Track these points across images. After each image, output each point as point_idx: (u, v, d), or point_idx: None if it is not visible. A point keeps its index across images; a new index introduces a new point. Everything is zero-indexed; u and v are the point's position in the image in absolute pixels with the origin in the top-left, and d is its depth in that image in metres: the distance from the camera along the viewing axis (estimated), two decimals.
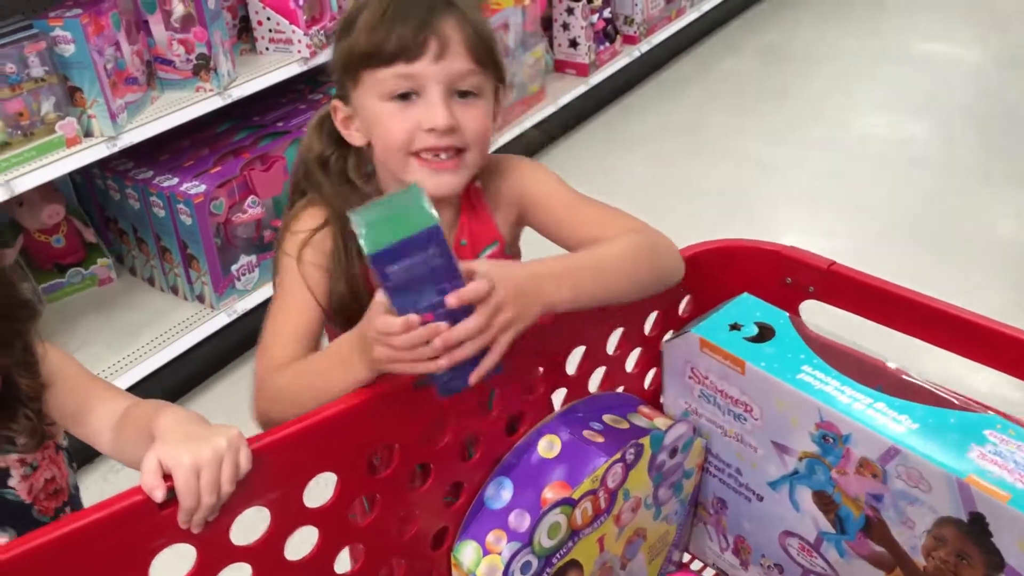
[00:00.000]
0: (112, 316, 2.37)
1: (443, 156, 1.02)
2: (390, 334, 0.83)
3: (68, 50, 1.99)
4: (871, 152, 3.52)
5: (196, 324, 2.36)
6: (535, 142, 3.06)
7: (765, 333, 1.04)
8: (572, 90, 3.61)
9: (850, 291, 1.09)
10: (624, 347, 1.14)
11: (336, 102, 1.08)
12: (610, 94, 3.93)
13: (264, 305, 1.27)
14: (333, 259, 1.05)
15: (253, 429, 0.89)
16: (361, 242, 0.77)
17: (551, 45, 3.66)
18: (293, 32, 2.48)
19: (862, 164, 3.44)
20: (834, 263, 1.10)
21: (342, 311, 1.05)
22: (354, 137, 1.08)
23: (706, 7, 4.40)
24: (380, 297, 0.84)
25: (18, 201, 2.28)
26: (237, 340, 2.45)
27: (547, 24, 3.61)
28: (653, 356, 1.16)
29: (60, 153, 2.02)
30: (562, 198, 1.14)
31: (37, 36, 1.95)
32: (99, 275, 2.46)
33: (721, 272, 1.14)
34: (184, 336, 2.32)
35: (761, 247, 1.15)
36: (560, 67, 3.69)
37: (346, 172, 1.10)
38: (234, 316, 2.41)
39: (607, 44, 3.77)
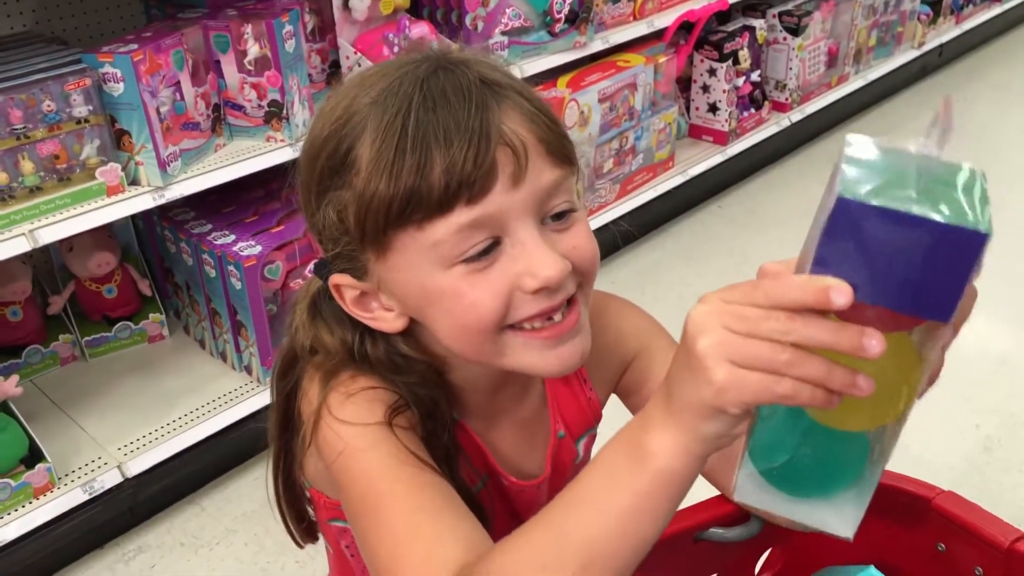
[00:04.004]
0: (153, 380, 2.14)
1: (557, 316, 0.69)
2: (787, 302, 0.49)
3: (117, 89, 1.78)
4: None
5: (239, 399, 2.10)
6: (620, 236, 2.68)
7: None
8: (706, 159, 3.22)
9: None
10: None
11: (338, 278, 0.73)
12: (750, 167, 3.52)
13: None
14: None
15: None
16: (840, 176, 0.48)
17: (687, 109, 3.29)
18: None
19: None
20: (1022, 537, 0.69)
21: None
22: (381, 321, 0.74)
23: (873, 75, 3.92)
24: (773, 266, 0.53)
25: (68, 246, 2.11)
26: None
27: (684, 85, 3.25)
28: None
29: (98, 202, 1.80)
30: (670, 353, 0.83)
31: (84, 72, 1.74)
32: (149, 331, 2.24)
33: None
34: (225, 411, 2.07)
35: (901, 488, 0.74)
36: (695, 133, 3.31)
37: (394, 354, 0.76)
38: None
39: (752, 111, 3.37)
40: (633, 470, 0.54)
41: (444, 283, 0.68)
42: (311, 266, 0.79)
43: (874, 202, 0.47)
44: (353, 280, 0.73)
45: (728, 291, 0.51)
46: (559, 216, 0.70)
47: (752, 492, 0.56)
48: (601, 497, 0.55)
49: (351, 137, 0.68)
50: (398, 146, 0.65)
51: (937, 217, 0.46)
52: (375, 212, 0.67)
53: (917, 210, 0.47)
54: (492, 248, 0.67)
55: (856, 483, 0.55)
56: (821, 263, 0.49)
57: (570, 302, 0.71)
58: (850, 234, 0.48)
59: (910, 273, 0.48)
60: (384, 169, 0.66)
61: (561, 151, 0.70)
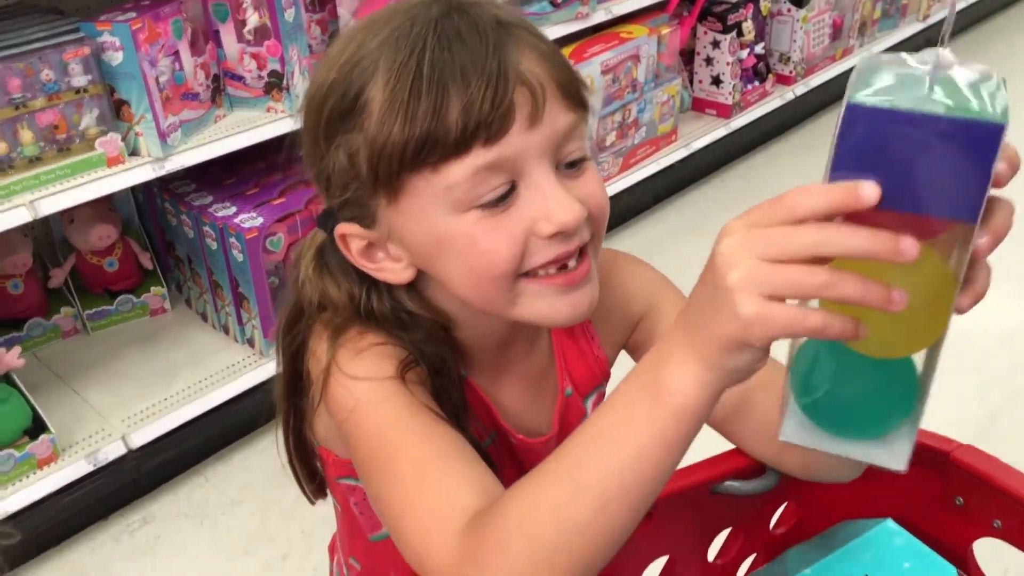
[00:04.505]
0: (155, 352, 2.13)
1: (571, 263, 0.68)
2: (813, 210, 0.47)
3: (116, 58, 1.76)
4: None
5: (242, 371, 2.09)
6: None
7: None
8: (710, 133, 3.19)
9: None
10: None
11: (345, 227, 0.72)
12: (753, 140, 3.49)
13: None
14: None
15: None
16: (850, 83, 0.48)
17: (690, 81, 3.26)
18: None
19: None
20: None
21: None
22: (388, 272, 0.73)
23: (877, 48, 3.88)
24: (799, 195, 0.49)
25: (69, 218, 2.09)
26: None
27: (687, 58, 3.22)
28: None
29: (99, 173, 1.78)
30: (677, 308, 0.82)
31: (82, 41, 1.72)
32: (151, 304, 2.23)
33: None
34: (227, 384, 2.05)
35: (919, 442, 0.73)
36: (698, 106, 3.28)
37: (399, 310, 0.75)
38: None
39: (756, 83, 3.34)
40: (651, 406, 0.53)
41: (458, 228, 0.67)
42: (317, 219, 0.78)
43: (882, 104, 0.46)
44: (361, 229, 0.71)
45: (750, 214, 0.50)
46: (573, 164, 0.69)
47: (799, 432, 0.55)
48: (618, 435, 0.54)
49: (361, 80, 0.66)
50: (413, 87, 0.63)
51: (946, 112, 0.45)
52: (389, 155, 0.65)
53: (928, 108, 0.46)
54: (508, 194, 0.66)
55: (903, 414, 0.54)
56: (838, 170, 0.48)
57: (581, 252, 0.70)
58: (862, 140, 0.47)
59: (928, 173, 0.47)
60: (399, 111, 0.64)
61: (576, 94, 0.69)
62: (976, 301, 0.51)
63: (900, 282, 0.47)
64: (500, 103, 0.63)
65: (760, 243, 0.48)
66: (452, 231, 0.67)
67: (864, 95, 0.47)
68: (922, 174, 0.47)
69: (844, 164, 0.48)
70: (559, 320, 0.71)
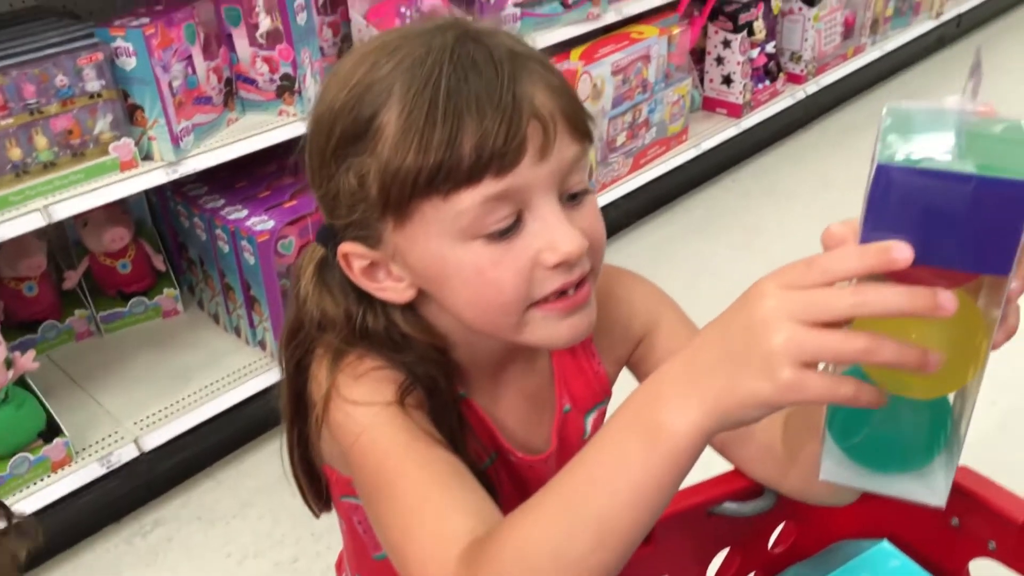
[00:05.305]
0: (168, 355, 2.15)
1: (571, 292, 0.69)
2: (847, 272, 0.48)
3: (129, 63, 1.77)
4: None
5: (253, 373, 2.11)
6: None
7: None
8: (720, 132, 3.19)
9: None
10: None
11: (348, 246, 0.72)
12: (765, 140, 3.48)
13: None
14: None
15: None
16: (879, 143, 0.49)
17: (701, 80, 3.26)
18: None
19: None
20: None
21: None
22: (389, 291, 0.73)
23: (889, 46, 3.86)
24: (837, 227, 0.52)
25: (83, 221, 2.11)
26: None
27: (698, 57, 3.22)
28: None
29: (112, 177, 1.80)
30: (681, 327, 0.86)
31: (96, 46, 1.74)
32: (164, 306, 2.25)
33: None
34: (239, 386, 2.07)
35: None
36: (709, 106, 3.28)
37: (393, 331, 0.76)
38: None
39: (767, 83, 3.33)
40: (647, 448, 0.54)
41: (465, 257, 0.68)
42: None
43: (913, 164, 0.47)
44: (364, 249, 0.72)
45: (783, 275, 0.51)
46: (575, 196, 0.70)
47: (838, 471, 0.56)
48: (614, 475, 0.55)
49: (375, 104, 0.67)
50: (428, 115, 0.64)
51: (977, 171, 0.46)
52: (401, 180, 0.66)
53: (958, 166, 0.46)
54: (514, 226, 0.67)
55: (940, 450, 0.55)
56: (870, 232, 0.48)
57: (581, 279, 0.71)
58: (893, 199, 0.48)
59: (960, 230, 0.47)
60: (413, 139, 0.65)
61: (583, 125, 0.70)
62: (1008, 337, 0.52)
63: (933, 328, 0.48)
64: (514, 136, 0.64)
65: (800, 307, 0.49)
66: (459, 259, 0.68)
67: (894, 155, 0.47)
68: (954, 231, 0.47)
69: (876, 224, 0.48)
70: (560, 342, 0.73)
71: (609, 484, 0.55)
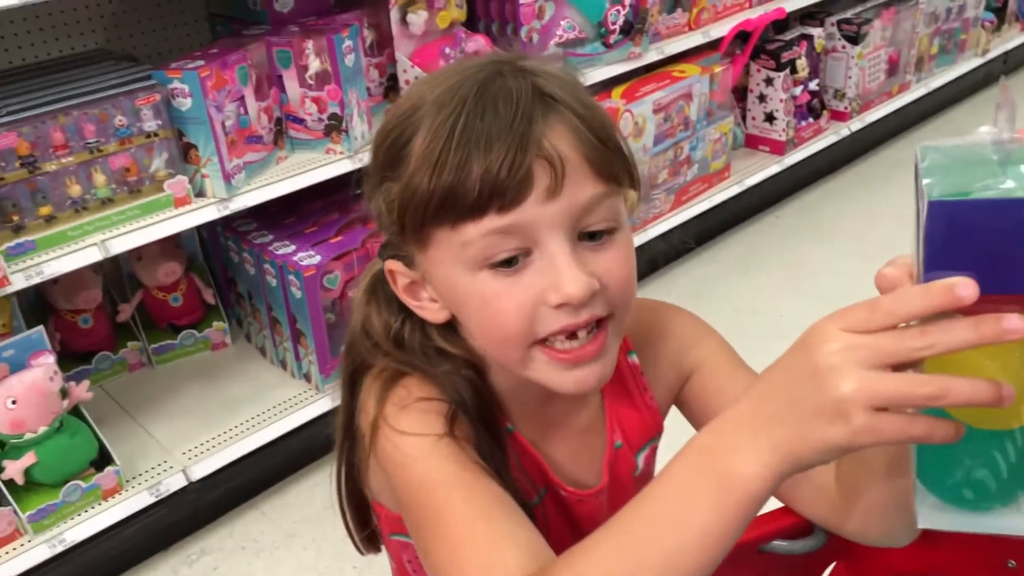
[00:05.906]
0: (216, 386, 2.19)
1: (582, 336, 0.69)
2: (912, 313, 0.49)
3: (185, 104, 1.83)
4: None
5: (298, 406, 2.13)
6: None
7: None
8: (763, 169, 3.19)
9: None
10: None
11: (392, 264, 0.76)
12: (808, 177, 3.47)
13: None
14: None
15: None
16: (925, 181, 0.49)
17: (743, 118, 3.27)
18: None
19: None
20: None
21: None
22: (428, 311, 0.76)
23: (935, 84, 3.84)
24: (889, 272, 0.52)
25: (137, 255, 2.17)
26: None
27: (740, 95, 3.23)
28: None
29: (167, 213, 1.85)
30: (728, 362, 0.85)
31: (153, 88, 1.80)
32: (213, 339, 2.30)
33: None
34: (284, 418, 2.10)
35: None
36: (752, 143, 3.29)
37: (428, 345, 0.78)
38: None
39: (810, 120, 3.33)
40: (718, 495, 0.54)
41: (472, 286, 0.70)
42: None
43: (964, 196, 0.47)
44: (405, 268, 0.75)
45: (845, 317, 0.51)
46: (596, 235, 0.70)
47: (934, 516, 0.56)
48: (681, 517, 0.55)
49: (410, 131, 0.70)
50: (444, 146, 0.67)
51: None
52: (416, 206, 0.69)
53: (1009, 193, 0.47)
54: (519, 258, 0.68)
55: None
56: (931, 270, 0.49)
57: (599, 325, 0.71)
58: (951, 233, 0.48)
59: (1018, 255, 0.48)
60: (429, 166, 0.67)
61: (608, 170, 0.70)
62: None
63: (999, 353, 0.48)
64: (516, 172, 0.65)
65: (868, 352, 0.49)
66: (468, 288, 0.70)
67: (942, 190, 0.48)
68: (1014, 256, 0.48)
69: (935, 261, 0.49)
70: (565, 390, 0.73)
71: (676, 526, 0.55)
